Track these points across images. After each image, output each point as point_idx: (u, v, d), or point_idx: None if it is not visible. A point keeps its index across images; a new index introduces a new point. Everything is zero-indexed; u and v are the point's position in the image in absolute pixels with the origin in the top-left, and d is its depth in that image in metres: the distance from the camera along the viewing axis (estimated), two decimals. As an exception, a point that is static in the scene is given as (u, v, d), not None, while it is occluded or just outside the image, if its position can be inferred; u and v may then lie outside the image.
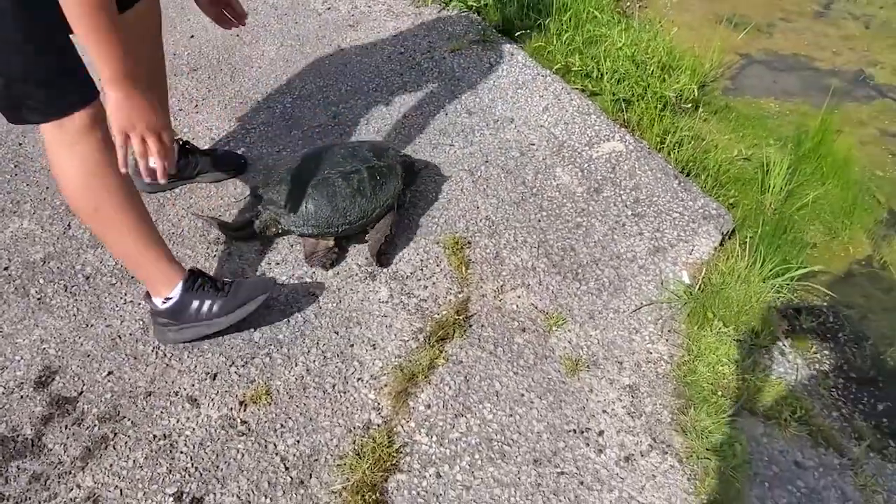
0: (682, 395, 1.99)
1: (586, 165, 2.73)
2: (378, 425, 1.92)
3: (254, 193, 2.50)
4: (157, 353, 2.11)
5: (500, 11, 3.62)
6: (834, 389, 2.16)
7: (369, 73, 3.27)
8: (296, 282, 2.32)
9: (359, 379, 2.04)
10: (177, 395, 2.00)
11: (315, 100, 3.13)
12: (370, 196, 2.30)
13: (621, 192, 2.62)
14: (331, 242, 2.35)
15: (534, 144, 2.83)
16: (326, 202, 2.26)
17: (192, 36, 3.54)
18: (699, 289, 2.24)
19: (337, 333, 2.17)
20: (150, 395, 2.00)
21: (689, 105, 3.21)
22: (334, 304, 2.25)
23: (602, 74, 3.11)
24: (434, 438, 1.89)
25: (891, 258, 2.67)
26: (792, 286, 2.37)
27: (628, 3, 4.30)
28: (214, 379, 2.04)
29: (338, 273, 2.35)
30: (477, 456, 1.86)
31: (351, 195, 2.27)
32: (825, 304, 2.45)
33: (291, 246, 2.44)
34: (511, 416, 1.94)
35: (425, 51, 3.40)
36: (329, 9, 3.80)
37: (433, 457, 1.85)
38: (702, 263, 2.36)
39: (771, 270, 2.29)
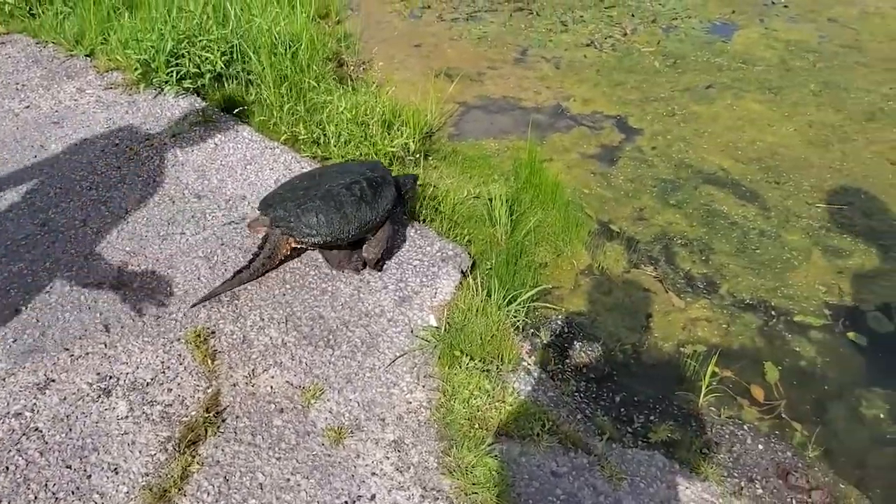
0: (444, 436, 2.06)
1: (325, 230, 2.75)
2: (130, 560, 1.72)
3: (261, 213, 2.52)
4: None
5: (219, 90, 3.57)
6: (576, 394, 2.38)
7: (82, 171, 3.02)
8: (12, 420, 2.02)
9: (101, 513, 1.81)
10: None
11: (19, 209, 2.81)
12: (372, 202, 2.44)
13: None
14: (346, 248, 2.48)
15: (270, 218, 2.80)
16: (335, 211, 2.37)
17: None
18: (445, 329, 2.35)
19: (70, 468, 1.92)
20: None
21: (417, 155, 3.41)
22: (63, 435, 2.00)
23: (329, 139, 3.19)
24: (197, 555, 1.74)
25: (606, 264, 3.04)
26: (527, 308, 2.58)
27: (351, 68, 4.49)
28: (-88, 565, 1.69)
29: (64, 398, 2.09)
30: (247, 560, 1.73)
31: (356, 203, 2.40)
32: (559, 317, 2.71)
33: (3, 380, 2.13)
34: (279, 505, 1.85)
35: (143, 139, 3.23)
36: (28, 107, 3.47)
37: (198, 576, 1.70)
38: (446, 304, 2.48)
39: (504, 299, 2.48)
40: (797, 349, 2.67)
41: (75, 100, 3.52)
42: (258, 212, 2.55)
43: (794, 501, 2.09)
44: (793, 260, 3.09)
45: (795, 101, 4.32)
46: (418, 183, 2.96)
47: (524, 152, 3.71)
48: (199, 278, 2.49)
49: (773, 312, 2.83)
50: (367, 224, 2.45)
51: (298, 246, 2.49)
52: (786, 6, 5.61)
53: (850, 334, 2.74)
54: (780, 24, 5.31)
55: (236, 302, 2.42)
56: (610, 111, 4.21)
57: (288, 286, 2.50)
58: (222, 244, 2.65)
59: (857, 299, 2.90)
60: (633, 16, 5.48)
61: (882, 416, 2.43)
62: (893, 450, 2.33)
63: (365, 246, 2.54)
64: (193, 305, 2.39)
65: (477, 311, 2.36)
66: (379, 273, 2.58)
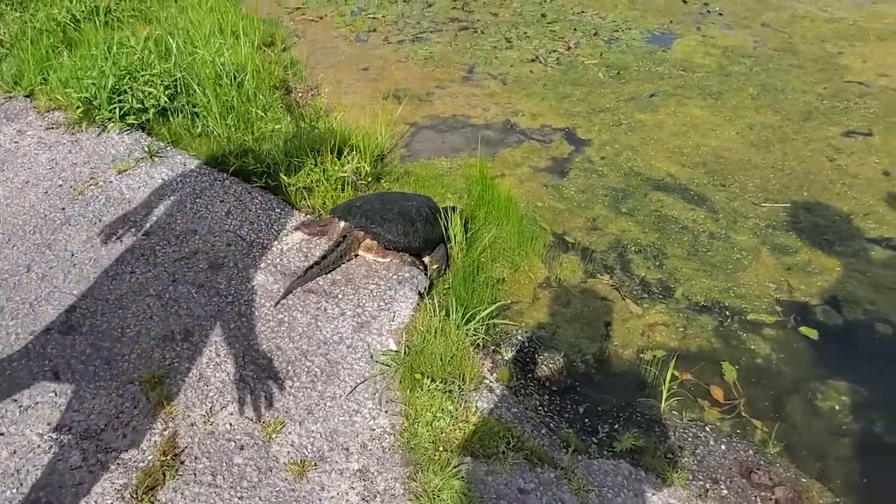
0: (409, 461, 2.04)
1: (278, 260, 2.73)
2: None
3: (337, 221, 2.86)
4: None
5: (165, 124, 3.52)
6: (540, 408, 2.38)
7: (24, 215, 2.94)
8: (-42, 480, 1.93)
9: (56, 571, 1.74)
10: None
11: (-43, 258, 2.71)
12: (433, 225, 2.91)
13: (318, 278, 2.66)
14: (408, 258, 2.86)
15: (222, 252, 2.75)
16: (411, 225, 2.80)
17: None
18: (405, 353, 2.33)
19: (22, 525, 1.84)
20: None
21: (370, 179, 3.40)
22: (15, 490, 1.92)
23: (279, 167, 3.17)
24: None
25: (563, 275, 3.07)
26: (486, 326, 2.58)
27: (299, 94, 4.48)
28: None
29: (14, 452, 2.02)
30: None
31: (423, 222, 2.86)
32: (519, 332, 2.72)
33: (-54, 438, 2.04)
34: (243, 547, 1.81)
35: (88, 178, 3.16)
36: (-35, 152, 3.37)
37: None
38: (404, 327, 2.47)
39: (463, 318, 2.48)
40: (753, 347, 2.73)
41: (16, 142, 3.43)
42: (334, 217, 2.86)
43: (758, 499, 2.12)
44: (742, 260, 3.17)
45: (735, 105, 4.46)
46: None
47: (476, 169, 3.74)
48: (152, 318, 2.44)
49: (727, 313, 2.88)
50: (429, 241, 2.88)
51: (365, 250, 2.82)
52: (721, 14, 5.80)
53: (802, 329, 2.81)
54: (716, 32, 5.49)
55: (191, 339, 2.37)
56: (558, 124, 4.27)
57: (244, 319, 2.47)
58: (174, 280, 2.60)
59: (807, 294, 2.98)
60: (575, 30, 5.59)
61: (837, 407, 2.49)
62: (850, 440, 2.39)
63: (429, 259, 2.94)
64: (276, 304, 2.54)
65: (436, 331, 2.36)
66: (336, 300, 2.56)
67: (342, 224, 2.81)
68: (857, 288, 3.01)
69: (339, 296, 2.58)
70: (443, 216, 3.01)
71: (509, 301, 2.92)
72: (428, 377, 2.23)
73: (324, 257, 2.68)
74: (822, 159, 3.90)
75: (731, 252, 3.21)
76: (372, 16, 5.84)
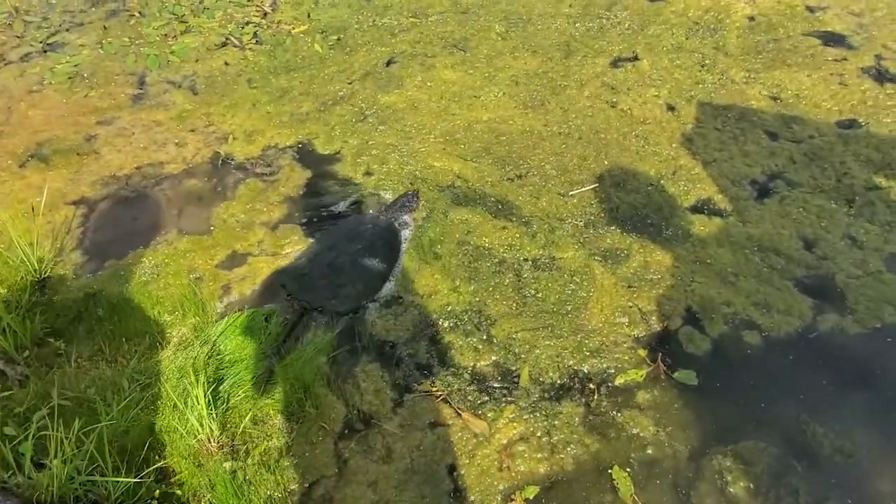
0: None
1: None
2: None
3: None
4: None
5: None
6: None
7: None
8: None
9: None
10: None
11: None
12: (389, 257, 2.53)
13: None
14: None
15: None
16: (361, 282, 2.44)
17: None
18: None
19: None
20: None
21: (20, 366, 2.10)
22: None
23: None
24: None
25: (366, 405, 2.16)
26: None
27: None
28: None
29: None
30: None
31: (378, 262, 2.48)
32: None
33: None
34: None
35: None
36: None
37: None
38: None
39: None
40: (636, 431, 2.08)
41: None
42: (288, 293, 2.44)
43: None
44: (579, 290, 2.47)
45: (488, 53, 3.66)
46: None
47: (197, 256, 2.59)
48: None
49: (590, 385, 2.20)
50: (391, 273, 2.50)
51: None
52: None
53: (677, 374, 2.22)
54: (434, -46, 4.55)
55: None
56: (285, 139, 3.16)
57: None
58: None
59: (661, 316, 2.39)
60: (266, -16, 4.32)
61: (752, 486, 1.95)
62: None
63: None
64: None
65: None
66: None
67: (299, 304, 2.39)
68: (704, 287, 2.47)
69: None
70: (397, 234, 2.65)
71: (307, 484, 1.94)
72: None
73: (292, 330, 2.31)
74: (604, 107, 3.30)
75: (563, 283, 2.50)
76: (-32, 21, 4.01)
